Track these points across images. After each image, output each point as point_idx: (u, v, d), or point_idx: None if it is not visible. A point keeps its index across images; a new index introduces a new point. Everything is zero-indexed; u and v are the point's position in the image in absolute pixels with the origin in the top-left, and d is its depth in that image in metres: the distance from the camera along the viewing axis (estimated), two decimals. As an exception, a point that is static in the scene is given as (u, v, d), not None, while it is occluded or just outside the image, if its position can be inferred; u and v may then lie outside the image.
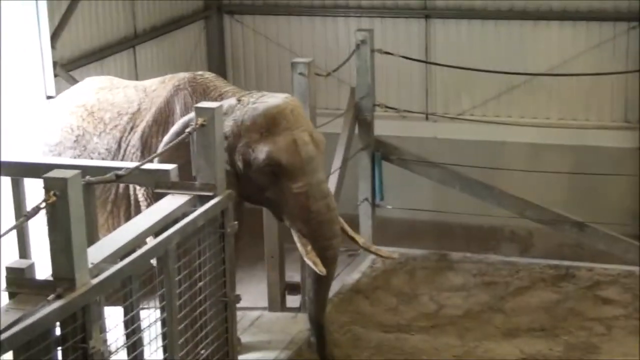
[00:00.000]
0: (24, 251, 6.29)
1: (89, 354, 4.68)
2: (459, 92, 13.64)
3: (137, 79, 12.02)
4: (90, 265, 4.84)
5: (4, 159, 6.55)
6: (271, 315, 9.04)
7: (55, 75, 9.93)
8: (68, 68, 10.75)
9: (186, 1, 13.68)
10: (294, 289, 9.23)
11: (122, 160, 7.84)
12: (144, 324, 5.46)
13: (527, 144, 13.07)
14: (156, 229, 5.61)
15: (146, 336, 5.55)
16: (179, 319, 5.62)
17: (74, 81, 10.63)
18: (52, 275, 4.67)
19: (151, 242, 5.53)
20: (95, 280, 4.79)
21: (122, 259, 5.19)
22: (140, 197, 7.77)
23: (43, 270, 4.80)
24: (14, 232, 5.90)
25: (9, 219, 6.11)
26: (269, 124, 7.13)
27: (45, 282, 4.63)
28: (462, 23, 13.47)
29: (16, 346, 4.31)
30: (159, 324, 5.58)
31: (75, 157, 7.90)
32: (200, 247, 5.89)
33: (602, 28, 12.85)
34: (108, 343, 5.07)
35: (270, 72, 14.34)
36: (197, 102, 7.46)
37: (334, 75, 10.89)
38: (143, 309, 5.53)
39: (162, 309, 5.56)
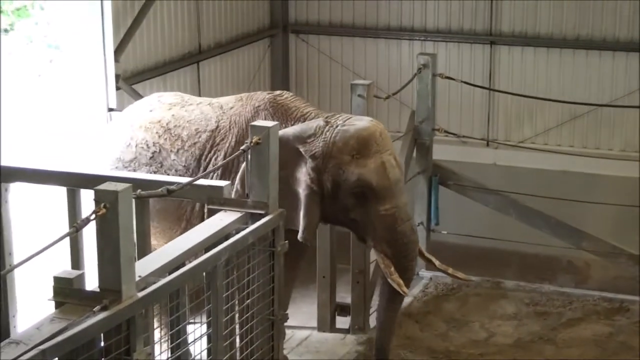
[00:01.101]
0: (76, 261, 6.36)
1: (132, 366, 4.70)
2: (521, 119, 13.59)
3: (200, 94, 12.14)
4: (137, 278, 4.86)
5: (62, 169, 6.67)
6: (320, 336, 9.04)
7: (118, 88, 10.06)
8: (131, 81, 10.85)
9: (252, 19, 13.80)
10: (344, 310, 9.21)
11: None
12: (190, 338, 5.50)
13: (588, 175, 12.94)
14: (207, 245, 5.63)
15: (192, 351, 5.61)
16: (224, 335, 5.63)
17: (137, 95, 10.76)
18: (99, 286, 4.70)
19: (201, 257, 5.56)
20: (141, 293, 4.81)
21: (170, 273, 5.20)
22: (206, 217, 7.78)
23: (95, 281, 4.82)
24: (67, 242, 6.06)
25: (64, 229, 6.20)
26: (360, 147, 7.24)
27: (91, 293, 4.66)
28: (528, 51, 13.42)
29: (59, 355, 4.33)
30: (204, 339, 5.61)
31: (150, 174, 7.83)
32: (249, 264, 5.89)
33: (669, 60, 12.74)
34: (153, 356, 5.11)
35: (333, 93, 14.40)
36: (279, 124, 7.60)
37: (396, 97, 10.91)
38: (190, 323, 5.57)
39: (209, 325, 5.58)
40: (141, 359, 4.76)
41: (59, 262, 5.97)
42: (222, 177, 7.64)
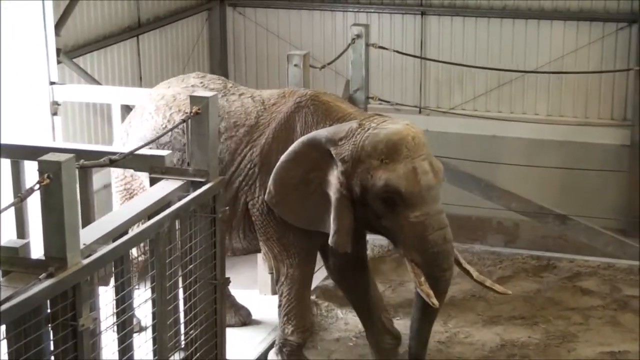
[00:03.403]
0: (22, 231, 6.44)
1: (79, 332, 4.80)
2: (451, 87, 13.91)
3: (140, 67, 12.27)
4: (82, 246, 4.94)
5: (5, 141, 6.69)
6: (261, 298, 9.28)
7: (59, 62, 10.13)
8: (72, 55, 10.94)
9: (190, -8, 13.92)
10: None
11: (234, 173, 7.73)
12: (135, 303, 5.61)
13: (515, 139, 13.33)
14: (149, 213, 5.71)
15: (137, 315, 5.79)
16: (168, 299, 5.73)
17: (78, 68, 10.88)
18: (45, 254, 4.77)
19: (143, 224, 5.63)
20: (86, 260, 4.88)
21: (115, 240, 5.28)
22: (256, 213, 7.76)
23: (40, 249, 4.88)
24: (12, 212, 6.17)
25: (9, 200, 6.31)
26: (389, 151, 7.00)
27: (37, 261, 4.74)
28: (457, 20, 13.74)
29: (7, 322, 4.44)
30: (149, 304, 5.72)
31: (182, 160, 7.61)
32: (191, 231, 5.99)
33: (592, 28, 13.13)
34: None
35: (270, 64, 14.59)
36: (317, 123, 7.44)
37: (331, 67, 11.12)
38: (135, 288, 5.72)
39: (153, 290, 5.68)
40: (87, 324, 4.86)
41: (4, 233, 6.07)
42: (259, 174, 7.57)
